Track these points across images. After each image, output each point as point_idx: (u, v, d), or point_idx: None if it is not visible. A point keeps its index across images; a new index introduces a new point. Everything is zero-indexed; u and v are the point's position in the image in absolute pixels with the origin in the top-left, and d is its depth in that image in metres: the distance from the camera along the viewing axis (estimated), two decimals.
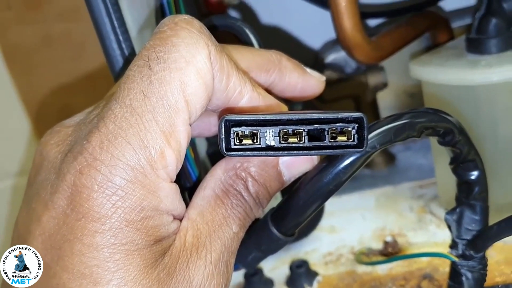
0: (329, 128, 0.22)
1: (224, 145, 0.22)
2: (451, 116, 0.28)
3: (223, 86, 0.22)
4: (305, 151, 0.22)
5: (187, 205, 0.24)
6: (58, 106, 0.67)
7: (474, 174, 0.30)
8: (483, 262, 0.30)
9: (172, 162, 0.20)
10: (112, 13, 0.29)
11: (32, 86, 0.67)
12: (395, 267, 0.39)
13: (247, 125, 0.22)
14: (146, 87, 0.20)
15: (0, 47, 0.66)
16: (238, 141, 0.22)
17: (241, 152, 0.22)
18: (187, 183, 0.31)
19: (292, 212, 0.27)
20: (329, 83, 0.50)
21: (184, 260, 0.21)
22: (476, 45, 0.37)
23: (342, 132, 0.22)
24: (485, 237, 0.29)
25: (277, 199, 0.33)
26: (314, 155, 0.24)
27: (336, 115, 0.22)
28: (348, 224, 0.45)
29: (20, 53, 0.66)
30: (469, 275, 0.30)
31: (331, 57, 0.52)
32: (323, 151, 0.23)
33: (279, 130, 0.22)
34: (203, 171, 0.31)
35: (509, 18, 0.36)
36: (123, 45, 0.30)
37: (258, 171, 0.24)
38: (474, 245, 0.30)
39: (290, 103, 0.30)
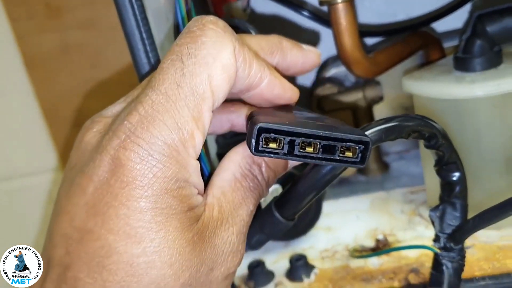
0: (340, 146, 0.26)
1: (254, 146, 0.26)
2: (436, 123, 0.32)
3: (245, 74, 0.26)
4: (317, 160, 0.26)
5: None
6: (72, 110, 0.71)
7: (456, 175, 0.34)
8: (462, 254, 0.34)
9: (199, 142, 0.24)
10: (142, 26, 0.34)
11: (49, 90, 0.71)
12: (385, 262, 0.42)
13: (275, 133, 0.26)
14: (179, 78, 0.24)
15: (21, 53, 0.70)
16: (265, 144, 0.26)
17: (266, 154, 0.26)
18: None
19: (293, 199, 0.31)
20: (329, 95, 0.55)
21: (212, 229, 0.25)
22: (462, 63, 0.41)
23: (349, 149, 0.27)
24: (463, 230, 0.33)
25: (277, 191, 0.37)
26: (324, 164, 0.28)
27: (348, 137, 0.26)
28: (344, 224, 0.49)
29: (39, 60, 0.70)
30: (449, 265, 0.34)
31: (332, 72, 0.56)
32: (331, 162, 0.27)
33: (301, 141, 0.26)
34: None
35: (491, 40, 0.40)
36: (150, 55, 0.34)
37: (270, 159, 0.28)
38: (453, 238, 0.34)
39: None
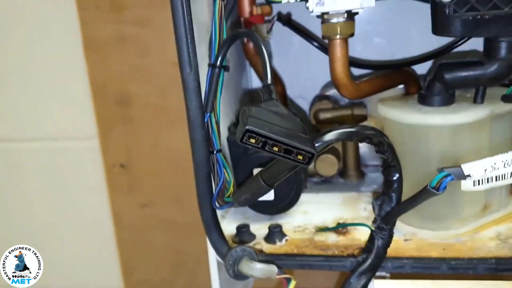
0: (296, 151, 0.40)
1: (239, 139, 0.39)
2: (385, 134, 0.45)
3: None
4: (279, 156, 0.41)
5: None
6: (117, 90, 0.85)
7: (395, 176, 0.46)
8: (390, 233, 0.47)
9: None
10: (188, 34, 0.47)
11: (100, 71, 0.85)
12: (341, 240, 0.55)
13: (256, 135, 0.39)
14: None
15: (83, 37, 0.84)
16: (247, 138, 0.40)
17: (247, 145, 0.40)
18: (210, 148, 0.49)
19: (275, 172, 0.45)
20: (326, 109, 0.68)
21: None
22: (423, 98, 0.54)
23: (301, 154, 0.40)
24: (391, 214, 0.45)
25: None
26: (283, 160, 0.42)
27: (302, 147, 0.41)
28: (318, 211, 0.62)
29: (97, 44, 0.84)
30: (380, 240, 0.47)
31: (330, 91, 0.70)
32: (288, 160, 0.41)
33: (271, 143, 0.40)
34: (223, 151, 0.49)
35: (448, 84, 0.53)
36: (191, 57, 0.47)
37: None
38: (385, 220, 0.46)
39: None
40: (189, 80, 0.47)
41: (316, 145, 0.43)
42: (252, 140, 0.40)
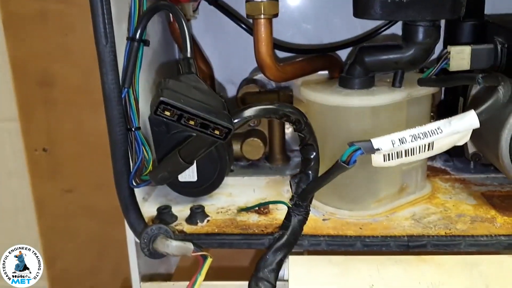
0: (213, 126, 0.39)
1: (154, 111, 0.38)
2: (303, 113, 0.45)
3: None
4: (195, 131, 0.40)
5: None
6: (39, 70, 0.81)
7: (312, 154, 0.47)
8: (306, 210, 0.47)
9: None
10: (104, 2, 0.45)
11: (21, 50, 0.80)
12: (262, 220, 0.55)
13: (171, 107, 0.38)
14: None
15: (2, 13, 0.79)
16: (162, 111, 0.39)
17: (161, 117, 0.39)
18: (128, 125, 0.48)
19: (193, 148, 0.44)
20: (253, 93, 0.68)
21: None
22: (344, 81, 0.55)
23: (218, 129, 0.40)
24: (307, 190, 0.46)
25: None
26: (199, 134, 0.41)
27: (219, 122, 0.40)
28: (241, 193, 0.62)
29: (17, 22, 0.79)
30: (296, 216, 0.47)
31: (258, 75, 0.70)
32: (203, 134, 0.40)
33: (187, 116, 0.39)
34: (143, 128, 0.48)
35: (368, 67, 0.54)
36: (108, 31, 0.46)
37: None
38: (301, 197, 0.47)
39: None
40: (105, 52, 0.46)
41: (235, 121, 0.43)
42: (167, 113, 0.39)
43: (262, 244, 0.51)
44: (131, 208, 0.49)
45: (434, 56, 0.56)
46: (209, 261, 0.44)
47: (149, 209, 0.58)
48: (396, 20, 0.51)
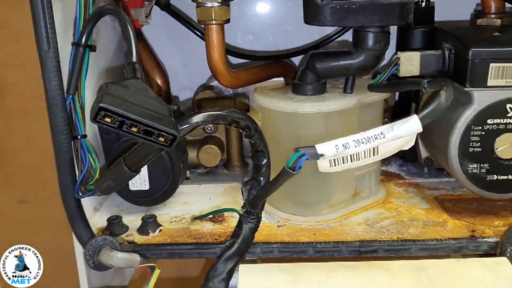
0: (157, 133, 0.38)
1: (93, 117, 0.37)
2: (253, 119, 0.45)
3: None
4: (138, 138, 0.39)
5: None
6: None
7: (263, 160, 0.46)
8: (258, 217, 0.46)
9: None
10: (46, 6, 0.44)
11: None
12: (216, 229, 0.54)
13: (111, 113, 0.37)
14: None
15: None
16: (102, 117, 0.37)
17: (102, 124, 0.37)
18: (74, 133, 0.46)
19: (138, 156, 0.43)
20: (209, 99, 0.67)
21: None
22: (297, 88, 0.55)
23: (163, 136, 0.39)
24: (257, 197, 0.45)
25: None
26: (143, 141, 0.40)
27: (163, 129, 0.39)
28: (197, 201, 0.61)
29: None
30: (248, 224, 0.46)
31: (214, 82, 0.69)
32: (149, 142, 0.39)
33: (129, 123, 0.38)
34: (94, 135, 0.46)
35: (319, 73, 0.54)
36: (50, 36, 0.44)
37: None
38: (252, 204, 0.46)
39: None
40: (47, 58, 0.44)
41: (182, 127, 0.42)
42: (108, 119, 0.38)
43: (213, 253, 0.50)
44: (77, 218, 0.48)
45: (385, 62, 0.57)
46: (156, 272, 0.43)
47: (100, 219, 0.56)
48: (346, 26, 0.51)
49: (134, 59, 0.43)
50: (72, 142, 0.47)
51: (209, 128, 0.67)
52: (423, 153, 0.60)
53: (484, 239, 0.50)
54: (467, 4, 0.64)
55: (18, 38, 0.76)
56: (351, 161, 0.39)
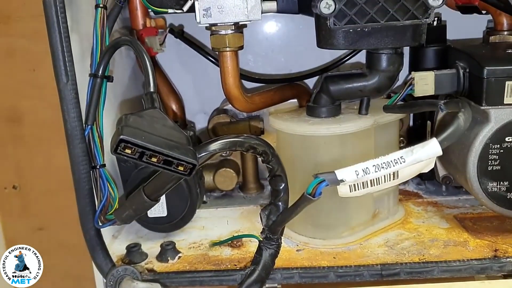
0: (176, 162, 0.39)
1: (113, 149, 0.37)
2: (270, 144, 0.45)
3: None
4: (159, 167, 0.39)
5: None
6: (6, 106, 0.80)
7: (281, 185, 0.46)
8: (278, 242, 0.46)
9: None
10: (64, 40, 0.45)
11: None
12: (235, 254, 0.54)
13: (132, 145, 0.37)
14: None
15: None
16: (122, 149, 0.38)
17: (122, 155, 0.38)
18: (92, 163, 0.47)
19: (157, 185, 0.43)
20: (224, 123, 0.68)
21: None
22: (311, 110, 0.55)
23: (182, 165, 0.39)
24: (276, 223, 0.45)
25: None
26: (163, 171, 0.40)
27: (182, 158, 0.39)
28: (215, 226, 0.61)
29: None
30: (267, 250, 0.46)
31: (228, 106, 0.69)
32: (167, 171, 0.39)
33: (149, 154, 0.38)
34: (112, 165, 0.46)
35: (333, 96, 0.54)
36: (68, 69, 0.45)
37: None
38: (271, 230, 0.46)
39: None
40: (66, 90, 0.45)
41: (200, 155, 0.42)
42: (128, 151, 0.38)
43: (234, 280, 0.49)
44: (97, 248, 0.48)
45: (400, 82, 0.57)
46: None
47: (119, 247, 0.56)
48: (359, 49, 0.51)
49: (152, 89, 0.44)
50: (91, 171, 0.48)
51: (224, 152, 0.67)
52: (441, 171, 0.60)
53: (508, 259, 0.49)
54: (479, 22, 0.64)
55: (33, 68, 0.78)
56: (371, 186, 0.39)
